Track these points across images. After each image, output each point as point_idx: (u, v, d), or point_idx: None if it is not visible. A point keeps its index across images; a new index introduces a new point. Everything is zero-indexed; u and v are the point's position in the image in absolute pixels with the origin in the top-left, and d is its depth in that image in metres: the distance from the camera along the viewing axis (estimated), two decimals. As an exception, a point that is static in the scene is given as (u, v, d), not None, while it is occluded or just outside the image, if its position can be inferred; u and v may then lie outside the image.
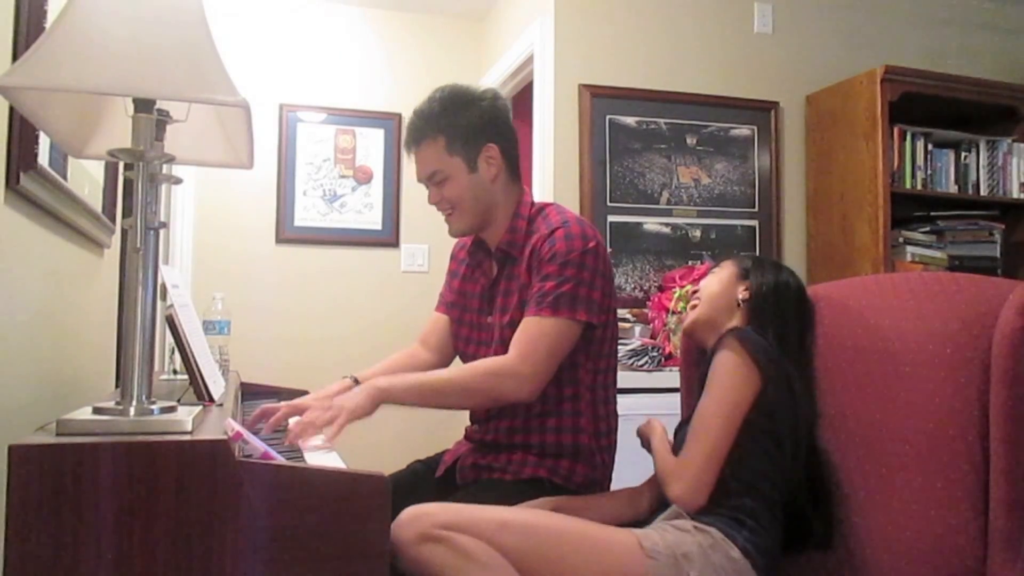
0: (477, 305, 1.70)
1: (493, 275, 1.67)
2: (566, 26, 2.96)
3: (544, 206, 1.66)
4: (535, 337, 1.49)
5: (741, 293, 1.52)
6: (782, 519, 1.35)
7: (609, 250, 2.88)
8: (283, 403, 1.55)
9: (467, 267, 1.76)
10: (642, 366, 2.59)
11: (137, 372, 1.01)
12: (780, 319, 1.49)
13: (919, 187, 2.97)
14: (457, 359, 1.81)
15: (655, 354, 2.62)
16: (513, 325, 1.55)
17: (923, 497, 1.32)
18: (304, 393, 1.94)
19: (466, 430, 1.71)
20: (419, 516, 1.22)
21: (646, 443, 1.49)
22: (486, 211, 1.63)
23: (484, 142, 1.60)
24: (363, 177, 3.70)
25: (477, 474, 1.60)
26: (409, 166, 1.69)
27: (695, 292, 1.59)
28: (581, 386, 1.57)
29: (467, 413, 1.71)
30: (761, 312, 1.49)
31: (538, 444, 1.57)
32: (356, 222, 3.68)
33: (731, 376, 1.36)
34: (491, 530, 1.21)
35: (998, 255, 3.08)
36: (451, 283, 1.81)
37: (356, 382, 1.68)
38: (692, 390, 1.67)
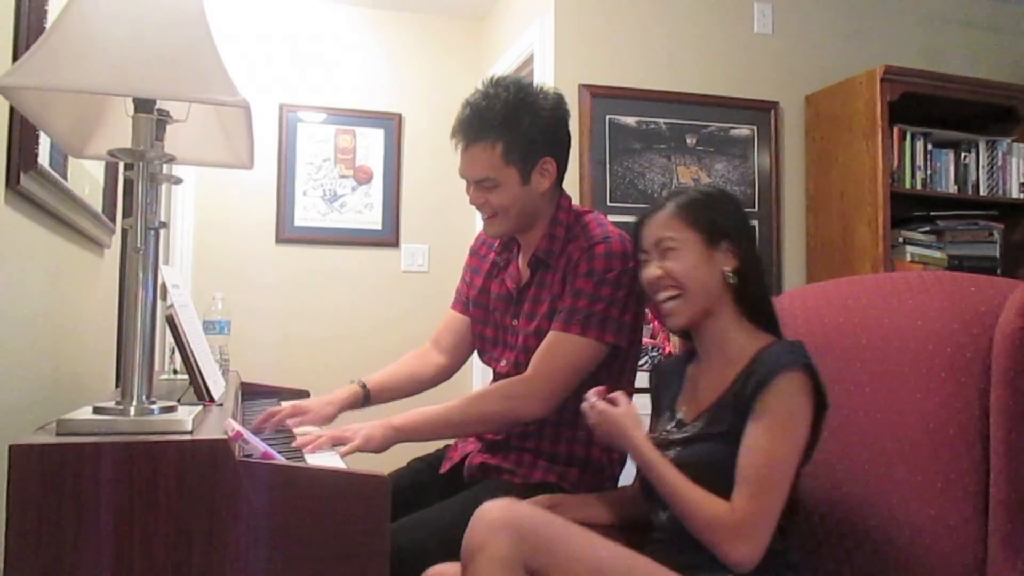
0: (502, 307, 1.66)
1: (523, 279, 1.63)
2: (566, 26, 2.96)
3: (583, 213, 1.62)
4: (557, 355, 1.47)
5: (726, 265, 1.30)
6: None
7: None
8: (286, 403, 1.56)
9: (492, 265, 1.71)
10: (642, 366, 2.59)
11: (137, 372, 1.01)
12: (761, 273, 1.33)
13: (919, 187, 2.98)
14: (469, 362, 1.80)
15: (655, 354, 2.62)
16: (540, 334, 1.52)
17: (923, 497, 1.32)
18: (305, 393, 1.94)
19: None
20: (511, 540, 1.09)
21: (612, 435, 1.29)
22: (529, 219, 1.58)
23: (542, 155, 1.53)
24: (363, 177, 3.70)
25: (485, 474, 1.58)
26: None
27: (661, 277, 1.31)
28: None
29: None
30: (754, 278, 1.31)
31: (550, 451, 1.55)
32: (356, 222, 3.68)
33: (800, 414, 1.19)
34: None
35: (998, 255, 3.08)
36: (472, 280, 1.75)
37: (363, 387, 1.67)
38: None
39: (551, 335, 1.50)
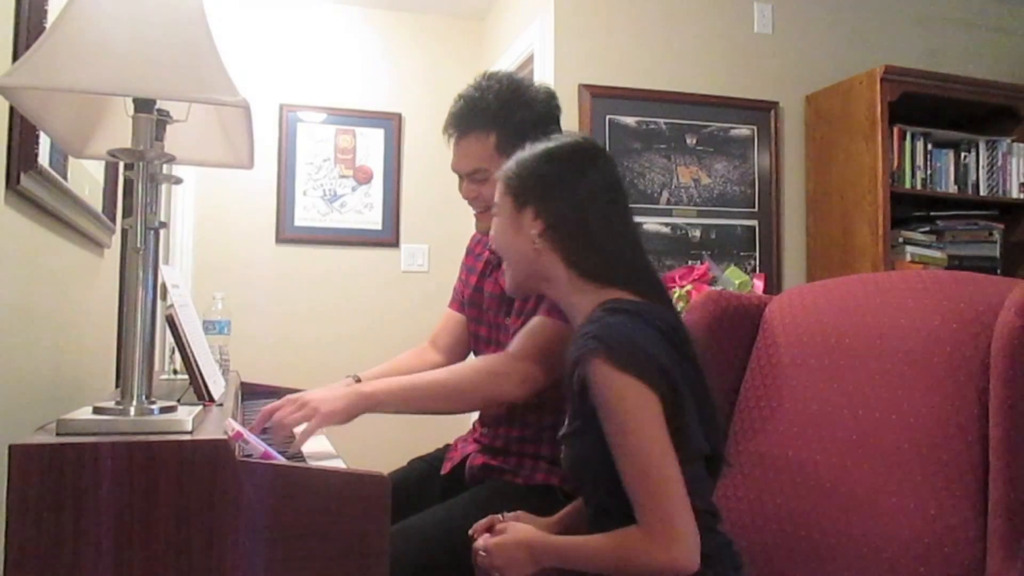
0: (496, 305, 1.66)
1: None
2: (566, 26, 2.97)
3: None
4: (538, 337, 1.45)
5: (532, 230, 1.21)
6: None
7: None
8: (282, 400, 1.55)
9: (486, 264, 1.72)
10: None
11: (137, 372, 1.01)
12: (601, 226, 1.20)
13: (919, 187, 2.98)
14: (470, 357, 1.79)
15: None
16: None
17: (922, 497, 1.32)
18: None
19: (475, 428, 1.69)
20: None
21: (515, 564, 1.16)
22: None
23: None
24: (363, 177, 3.70)
25: (487, 475, 1.57)
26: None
27: (495, 248, 1.29)
28: None
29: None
30: (576, 235, 1.20)
31: (550, 454, 1.54)
32: (356, 222, 3.68)
33: (623, 406, 1.06)
34: None
35: (997, 255, 3.08)
36: (468, 279, 1.75)
37: (357, 382, 1.66)
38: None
39: (533, 320, 1.47)
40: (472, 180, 1.57)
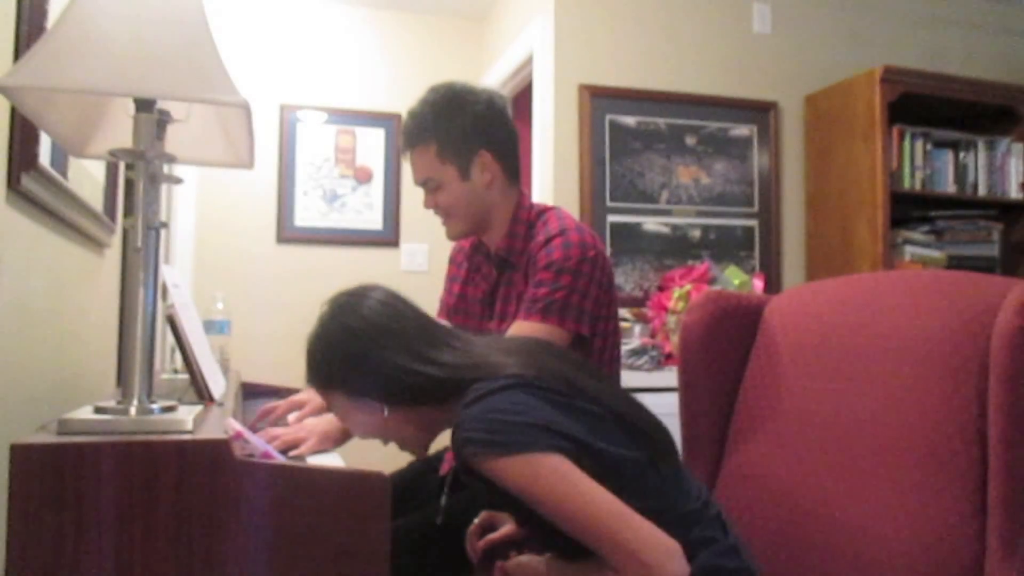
0: (479, 310, 1.68)
1: (493, 280, 1.65)
2: (566, 26, 2.97)
3: (545, 210, 1.64)
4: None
5: (382, 412, 1.16)
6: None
7: (608, 250, 2.88)
8: (283, 402, 1.56)
9: (467, 271, 1.74)
10: (641, 366, 2.59)
11: (138, 371, 1.01)
12: (405, 364, 1.14)
13: (918, 187, 2.98)
14: None
15: (655, 353, 2.62)
16: None
17: (921, 496, 1.32)
18: (304, 393, 1.94)
19: None
20: None
21: None
22: (482, 217, 1.61)
23: (477, 149, 1.56)
24: (363, 177, 3.71)
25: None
26: (409, 166, 1.68)
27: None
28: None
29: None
30: (412, 391, 1.14)
31: None
32: (356, 222, 3.68)
33: (537, 479, 1.01)
34: None
35: (997, 255, 3.08)
36: (451, 288, 1.79)
37: None
38: (691, 388, 1.67)
39: (514, 324, 1.50)
40: (427, 190, 1.62)
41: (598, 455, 1.06)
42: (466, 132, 1.55)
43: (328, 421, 1.39)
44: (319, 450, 1.35)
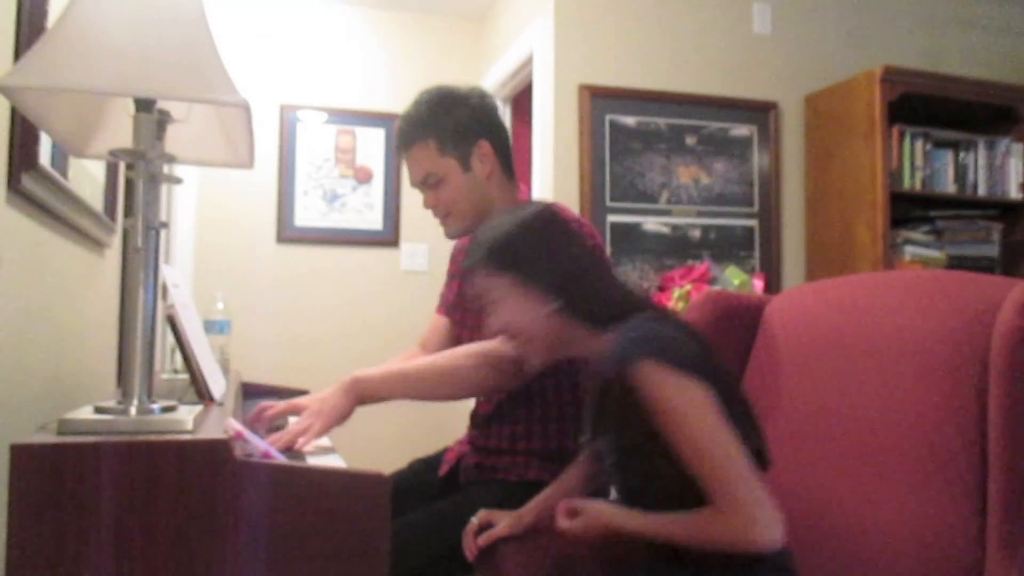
0: (477, 305, 1.70)
1: None
2: (566, 26, 2.97)
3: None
4: None
5: (547, 307, 1.23)
6: None
7: (608, 250, 2.88)
8: (281, 402, 1.55)
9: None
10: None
11: (138, 371, 1.01)
12: (598, 278, 1.25)
13: (918, 187, 2.98)
14: None
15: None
16: None
17: (921, 496, 1.32)
18: (305, 393, 1.94)
19: (468, 433, 1.70)
20: None
21: (602, 534, 1.19)
22: (482, 210, 1.62)
23: (476, 139, 1.58)
24: (363, 177, 3.71)
25: (481, 474, 1.59)
26: (406, 168, 1.69)
27: (502, 331, 1.29)
28: (580, 389, 1.57)
29: (467, 412, 1.71)
30: (580, 295, 1.22)
31: (541, 449, 1.56)
32: (356, 222, 3.69)
33: (682, 398, 1.10)
34: None
35: (996, 255, 3.08)
36: (451, 284, 1.80)
37: None
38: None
39: None
40: (427, 187, 1.61)
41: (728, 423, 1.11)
42: (464, 124, 1.57)
43: (330, 395, 1.38)
44: (328, 430, 1.35)
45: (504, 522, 1.38)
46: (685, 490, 1.11)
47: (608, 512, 1.21)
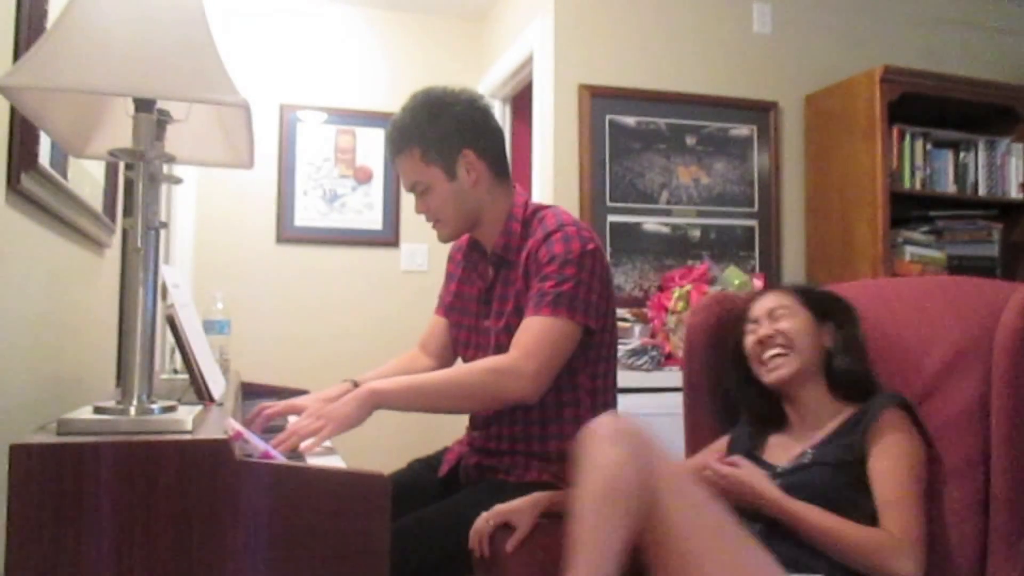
0: (474, 308, 1.68)
1: (489, 278, 1.65)
2: (566, 26, 2.97)
3: (541, 208, 1.63)
4: (537, 335, 1.46)
5: (826, 341, 1.47)
6: None
7: (608, 250, 2.88)
8: (281, 402, 1.55)
9: (464, 269, 1.74)
10: (642, 366, 2.59)
11: (138, 371, 1.01)
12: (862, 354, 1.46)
13: (918, 187, 2.98)
14: (458, 362, 1.80)
15: (655, 354, 2.62)
16: (509, 331, 1.53)
17: (924, 494, 1.32)
18: (304, 393, 1.94)
19: (467, 434, 1.70)
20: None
21: (745, 495, 1.33)
22: (472, 217, 1.61)
23: (461, 148, 1.57)
24: (363, 177, 3.70)
25: (480, 475, 1.59)
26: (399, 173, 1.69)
27: (772, 336, 1.46)
28: (580, 391, 1.56)
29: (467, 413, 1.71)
30: (849, 358, 1.44)
31: (540, 451, 1.56)
32: (356, 222, 3.68)
33: (909, 442, 1.32)
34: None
35: (996, 255, 3.08)
36: (448, 285, 1.80)
37: (355, 385, 1.67)
38: (695, 390, 1.67)
39: (526, 320, 1.49)
40: (416, 195, 1.63)
41: None
42: (448, 133, 1.57)
43: (344, 403, 1.38)
44: (338, 433, 1.34)
45: (525, 522, 1.39)
46: (841, 510, 1.28)
47: (762, 482, 1.33)
